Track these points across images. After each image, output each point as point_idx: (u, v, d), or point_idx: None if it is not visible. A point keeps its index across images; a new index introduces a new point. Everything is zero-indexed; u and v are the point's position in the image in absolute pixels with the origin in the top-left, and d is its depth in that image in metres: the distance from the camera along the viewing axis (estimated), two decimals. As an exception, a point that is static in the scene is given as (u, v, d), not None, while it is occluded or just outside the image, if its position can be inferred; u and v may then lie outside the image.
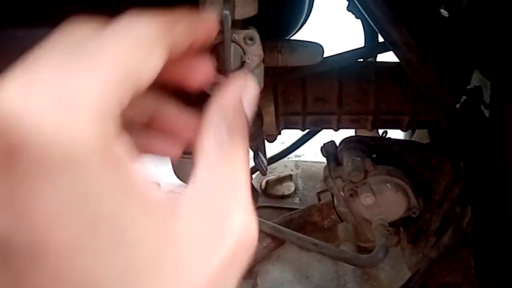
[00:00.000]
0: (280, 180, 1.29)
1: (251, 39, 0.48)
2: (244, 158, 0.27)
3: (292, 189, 1.29)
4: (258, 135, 0.74)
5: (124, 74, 0.22)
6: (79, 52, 0.21)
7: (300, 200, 1.27)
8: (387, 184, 0.82)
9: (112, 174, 0.20)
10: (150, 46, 0.24)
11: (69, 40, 0.23)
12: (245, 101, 0.30)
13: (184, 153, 0.78)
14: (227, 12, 0.43)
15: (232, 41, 0.47)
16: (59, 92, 0.19)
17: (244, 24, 0.51)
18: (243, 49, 0.49)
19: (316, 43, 0.63)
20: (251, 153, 0.85)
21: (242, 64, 0.50)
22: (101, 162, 0.19)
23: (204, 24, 0.34)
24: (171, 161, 0.85)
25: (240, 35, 0.48)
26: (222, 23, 0.44)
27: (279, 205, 1.23)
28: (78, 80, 0.20)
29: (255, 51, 0.49)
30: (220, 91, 0.31)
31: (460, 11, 0.40)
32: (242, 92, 0.31)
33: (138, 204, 0.21)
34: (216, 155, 0.26)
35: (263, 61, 0.54)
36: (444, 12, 0.44)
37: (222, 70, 0.49)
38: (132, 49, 0.23)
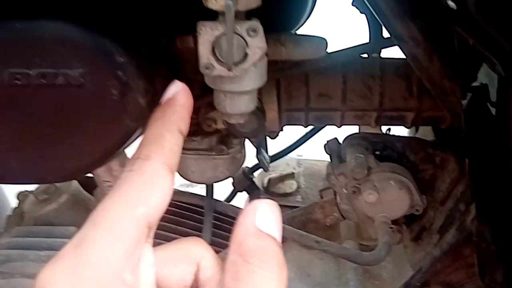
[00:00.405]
0: (282, 178, 1.29)
1: (254, 30, 0.48)
2: (269, 278, 0.25)
3: (294, 187, 1.28)
4: (260, 131, 0.73)
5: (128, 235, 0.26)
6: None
7: (302, 198, 1.26)
8: (391, 181, 0.81)
9: None
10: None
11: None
12: (263, 223, 0.28)
13: (184, 149, 0.77)
14: (230, 2, 0.42)
15: (235, 33, 0.47)
16: (78, 271, 0.24)
17: (247, 16, 0.50)
18: (245, 41, 0.48)
19: (320, 37, 0.62)
20: (254, 150, 0.85)
21: (245, 56, 0.49)
22: None
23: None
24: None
25: (243, 26, 0.47)
26: (224, 13, 0.43)
27: (281, 203, 1.22)
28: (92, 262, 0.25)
29: (258, 43, 0.48)
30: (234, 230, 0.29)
31: (467, 3, 0.39)
32: (256, 217, 0.28)
33: None
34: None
35: (266, 54, 0.53)
36: (451, 4, 0.44)
37: (224, 62, 0.49)
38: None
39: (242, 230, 0.27)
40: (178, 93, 0.39)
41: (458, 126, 0.65)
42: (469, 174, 0.61)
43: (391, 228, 0.84)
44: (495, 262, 0.64)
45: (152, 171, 0.30)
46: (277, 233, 0.28)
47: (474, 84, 0.58)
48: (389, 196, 0.82)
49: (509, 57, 0.41)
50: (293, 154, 1.35)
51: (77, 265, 0.24)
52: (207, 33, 0.47)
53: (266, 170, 0.94)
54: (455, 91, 0.61)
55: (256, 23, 0.47)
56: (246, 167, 1.24)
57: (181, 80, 0.74)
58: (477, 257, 0.68)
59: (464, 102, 0.56)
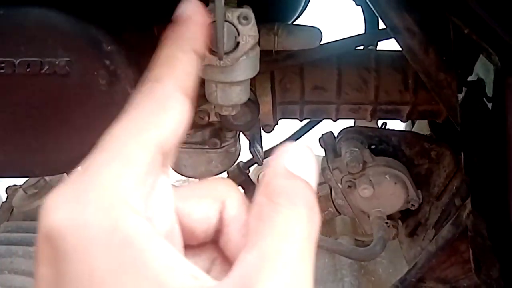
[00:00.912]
0: (278, 172, 1.28)
1: (246, 18, 0.46)
2: (296, 219, 0.23)
3: (290, 181, 1.27)
4: (254, 124, 0.72)
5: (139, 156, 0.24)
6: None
7: (297, 192, 1.25)
8: (386, 176, 0.80)
9: (118, 254, 0.21)
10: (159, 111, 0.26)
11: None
12: (295, 166, 0.25)
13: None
14: (219, -12, 0.41)
15: (226, 21, 0.45)
16: (82, 194, 0.23)
17: (238, 3, 0.49)
18: (237, 29, 0.47)
19: (314, 26, 0.61)
20: (247, 143, 0.84)
21: (236, 45, 0.48)
22: (106, 243, 0.21)
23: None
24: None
25: (234, 13, 0.46)
26: (214, 0, 0.42)
27: (276, 197, 1.21)
28: (95, 181, 0.23)
29: (250, 32, 0.47)
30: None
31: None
32: (287, 158, 0.26)
33: (149, 285, 0.21)
34: (254, 230, 0.23)
35: (259, 44, 0.52)
36: (447, -8, 0.42)
37: (215, 51, 0.47)
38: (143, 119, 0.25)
39: (270, 171, 0.25)
40: (190, 9, 0.35)
41: (453, 119, 0.64)
42: (465, 168, 0.60)
43: (387, 223, 0.83)
44: (491, 258, 0.63)
45: (163, 94, 0.27)
46: (310, 177, 0.25)
47: (470, 78, 0.57)
48: (384, 190, 0.81)
49: (506, 47, 0.40)
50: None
51: (82, 189, 0.22)
52: (196, 21, 0.46)
53: (260, 164, 0.93)
54: (450, 84, 0.60)
55: (247, 11, 0.46)
56: (241, 161, 1.23)
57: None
58: (472, 253, 0.67)
59: (460, 96, 0.55)
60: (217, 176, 0.29)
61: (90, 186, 0.23)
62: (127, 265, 0.21)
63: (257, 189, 0.25)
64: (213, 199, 0.28)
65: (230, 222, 0.27)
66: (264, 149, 1.25)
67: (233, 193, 0.28)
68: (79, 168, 0.24)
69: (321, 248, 0.87)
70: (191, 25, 0.33)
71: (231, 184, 0.29)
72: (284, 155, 0.26)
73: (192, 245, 0.28)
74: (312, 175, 0.26)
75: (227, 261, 0.28)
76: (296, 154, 0.26)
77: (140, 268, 0.21)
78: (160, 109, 0.26)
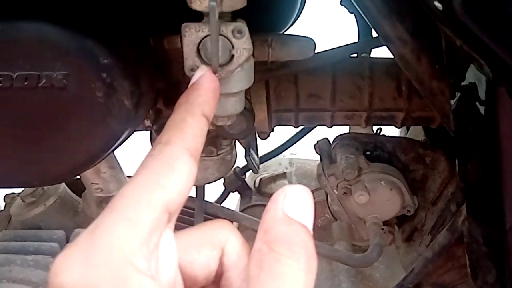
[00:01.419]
0: (274, 178, 1.28)
1: (240, 32, 0.47)
2: (296, 269, 0.24)
3: (286, 187, 1.27)
4: (249, 132, 0.73)
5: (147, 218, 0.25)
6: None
7: (294, 198, 1.26)
8: (381, 182, 0.81)
9: None
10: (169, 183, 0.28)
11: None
12: (293, 210, 0.26)
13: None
14: (213, 3, 0.42)
15: (220, 34, 0.46)
16: (91, 256, 0.24)
17: (233, 17, 0.49)
18: (231, 43, 0.47)
19: (308, 37, 0.61)
20: (243, 150, 0.84)
21: (231, 58, 0.48)
22: None
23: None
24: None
25: (228, 27, 0.47)
26: (209, 15, 0.43)
27: (273, 203, 1.21)
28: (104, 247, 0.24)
29: (244, 45, 0.48)
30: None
31: (453, 3, 0.39)
32: (285, 203, 0.27)
33: None
34: (255, 278, 0.24)
35: (253, 55, 0.52)
36: (437, 5, 0.43)
37: (210, 64, 0.48)
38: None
39: (269, 217, 0.26)
40: (202, 77, 0.38)
41: (447, 126, 0.64)
42: (459, 174, 0.61)
43: (383, 229, 0.84)
44: (487, 263, 0.64)
45: (171, 156, 0.29)
46: (308, 221, 0.26)
47: (463, 83, 0.57)
48: (380, 197, 0.81)
49: (496, 58, 0.41)
50: (286, 153, 1.34)
51: (90, 251, 0.24)
52: (191, 35, 0.46)
53: (255, 171, 0.93)
54: (443, 92, 0.60)
55: (241, 25, 0.47)
56: (238, 167, 1.23)
57: (169, 81, 0.74)
58: (468, 259, 0.68)
59: (453, 102, 0.55)
60: (215, 221, 0.30)
61: (98, 249, 0.24)
62: None
63: (257, 235, 0.26)
64: (213, 246, 0.29)
65: (230, 268, 0.29)
66: (259, 156, 1.26)
67: (232, 237, 0.29)
68: (89, 227, 0.25)
69: (318, 254, 0.88)
70: (202, 91, 0.35)
71: (230, 227, 0.30)
72: (282, 199, 0.26)
73: None
74: (310, 219, 0.26)
75: None
76: (294, 198, 0.26)
77: None
78: (167, 170, 0.28)
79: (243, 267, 0.28)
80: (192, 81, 0.38)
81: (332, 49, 0.75)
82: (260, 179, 1.26)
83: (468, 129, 0.54)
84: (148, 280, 0.24)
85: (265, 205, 0.94)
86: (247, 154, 0.80)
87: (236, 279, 0.28)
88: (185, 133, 0.31)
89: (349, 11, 0.88)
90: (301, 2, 0.87)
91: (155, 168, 0.28)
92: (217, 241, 0.29)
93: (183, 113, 0.33)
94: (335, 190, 0.83)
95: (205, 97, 0.35)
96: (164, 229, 0.27)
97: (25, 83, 0.51)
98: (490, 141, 0.52)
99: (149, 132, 0.82)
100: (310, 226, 0.26)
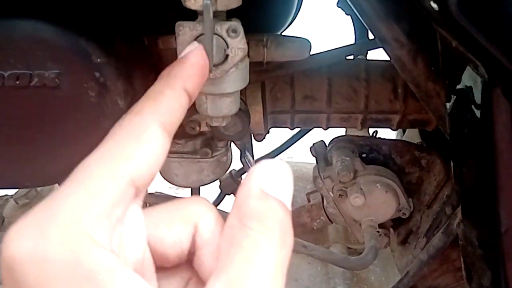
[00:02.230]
0: (270, 180, 1.28)
1: (234, 31, 0.46)
2: (267, 245, 0.23)
3: (282, 189, 1.27)
4: (245, 134, 0.72)
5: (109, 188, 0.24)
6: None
7: (290, 201, 1.25)
8: (377, 185, 0.80)
9: (82, 287, 0.21)
10: (136, 142, 0.26)
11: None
12: (269, 185, 0.25)
13: (169, 152, 0.76)
14: (208, 1, 0.41)
15: (214, 33, 0.46)
16: (44, 227, 0.22)
17: (227, 16, 0.49)
18: (226, 42, 0.47)
19: (304, 38, 0.61)
20: (238, 152, 0.84)
21: (226, 57, 0.48)
22: (68, 277, 0.21)
23: (192, 72, 0.33)
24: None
25: (223, 26, 0.46)
26: (203, 13, 0.42)
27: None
28: (60, 214, 0.23)
29: (239, 44, 0.47)
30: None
31: (449, 4, 0.39)
32: (262, 177, 0.25)
33: None
34: (224, 255, 0.23)
35: (248, 55, 0.52)
36: (433, 5, 0.43)
37: (204, 63, 0.47)
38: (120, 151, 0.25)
39: (244, 191, 0.24)
40: (191, 52, 0.36)
41: (443, 129, 0.64)
42: (454, 177, 0.60)
43: (378, 232, 0.83)
44: (482, 266, 0.63)
45: (141, 126, 0.27)
46: (285, 197, 0.24)
47: (459, 86, 0.57)
48: (375, 199, 0.81)
49: (492, 59, 0.40)
50: (282, 156, 1.34)
51: (44, 222, 0.22)
52: (185, 34, 0.46)
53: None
54: (439, 94, 0.60)
55: (236, 24, 0.46)
56: (233, 170, 1.23)
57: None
58: (464, 261, 0.67)
59: (449, 104, 0.55)
60: (190, 197, 0.28)
61: (53, 219, 0.22)
62: None
63: (231, 211, 0.24)
64: (186, 222, 0.27)
65: (203, 246, 0.27)
66: (255, 159, 1.25)
67: (207, 214, 0.27)
68: (47, 197, 0.24)
69: (313, 257, 0.87)
70: (187, 65, 0.33)
71: (205, 204, 0.28)
72: (258, 173, 0.25)
73: (167, 267, 0.28)
74: (287, 194, 0.25)
75: (201, 281, 0.27)
76: (271, 172, 0.25)
77: None
78: (135, 141, 0.26)
79: (216, 245, 0.26)
80: (181, 56, 0.35)
81: (328, 50, 0.75)
82: (256, 182, 1.26)
83: (463, 132, 0.54)
84: (107, 253, 0.22)
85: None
86: (242, 156, 0.80)
87: (209, 257, 0.27)
88: (160, 104, 0.29)
89: (346, 13, 0.88)
90: (297, 4, 0.87)
91: (122, 138, 0.26)
92: (190, 217, 0.27)
93: (162, 85, 0.31)
94: (330, 193, 0.83)
95: (190, 71, 0.33)
96: (131, 204, 0.25)
97: (17, 82, 0.51)
98: (486, 144, 0.51)
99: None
100: (288, 202, 0.25)
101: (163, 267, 0.27)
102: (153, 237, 0.26)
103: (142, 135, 0.26)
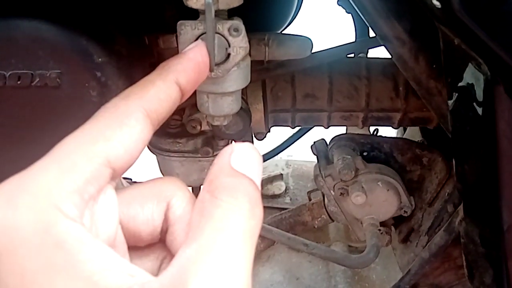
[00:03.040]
0: (271, 179, 1.28)
1: (236, 30, 0.46)
2: (237, 213, 0.23)
3: (283, 188, 1.27)
4: (246, 133, 0.72)
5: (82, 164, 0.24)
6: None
7: (290, 199, 1.26)
8: (378, 183, 0.80)
9: (49, 256, 0.21)
10: (112, 126, 0.26)
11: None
12: (239, 164, 0.26)
13: (169, 151, 0.75)
14: (210, 1, 0.41)
15: (216, 32, 0.45)
16: (14, 197, 0.23)
17: (229, 15, 0.49)
18: (227, 41, 0.47)
19: (305, 36, 0.61)
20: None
21: (227, 56, 0.48)
22: (37, 245, 0.21)
23: (189, 69, 0.33)
24: (158, 160, 0.83)
25: (224, 25, 0.46)
26: (204, 12, 0.42)
27: (270, 204, 1.21)
28: (32, 183, 0.23)
29: (240, 43, 0.47)
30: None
31: (452, 1, 0.39)
32: (232, 157, 0.26)
33: (81, 285, 0.21)
34: (195, 225, 0.24)
35: (250, 54, 0.52)
36: (436, 3, 0.43)
37: (206, 62, 0.47)
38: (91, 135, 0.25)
39: (215, 169, 0.25)
40: (190, 48, 0.36)
41: (444, 126, 0.64)
42: (456, 175, 0.60)
43: (380, 230, 0.83)
44: (484, 264, 0.63)
45: (125, 111, 0.27)
46: (254, 175, 0.26)
47: (461, 84, 0.57)
48: (377, 197, 0.81)
49: (494, 56, 0.40)
50: (282, 155, 1.34)
51: (15, 192, 0.23)
52: (187, 33, 0.46)
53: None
54: (441, 92, 0.60)
55: (238, 23, 0.46)
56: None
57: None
58: (465, 259, 0.67)
59: (450, 102, 0.55)
60: (162, 177, 0.29)
61: (23, 189, 0.23)
62: (58, 266, 0.21)
63: (202, 187, 0.25)
64: (158, 200, 0.27)
65: (175, 222, 0.27)
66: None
67: (179, 191, 0.28)
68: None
69: (314, 255, 0.87)
70: (183, 60, 0.33)
71: (177, 182, 0.29)
72: (229, 153, 0.26)
73: (140, 246, 0.28)
74: (256, 173, 0.26)
75: None
76: (241, 153, 0.26)
77: (72, 269, 0.21)
78: (116, 124, 0.26)
79: (188, 220, 0.27)
80: (182, 52, 0.36)
81: (329, 49, 0.75)
82: (257, 180, 1.26)
83: (465, 130, 0.54)
84: (76, 224, 0.22)
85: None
86: (243, 155, 0.79)
87: (180, 232, 0.27)
88: (147, 92, 0.29)
89: (346, 11, 0.87)
90: (298, 2, 0.87)
91: (104, 120, 0.26)
92: (162, 195, 0.28)
93: (154, 75, 0.31)
94: (332, 191, 0.83)
95: (185, 65, 0.33)
96: (106, 185, 0.26)
97: (18, 82, 0.51)
98: (488, 142, 0.51)
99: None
100: (257, 180, 0.26)
101: (136, 247, 0.28)
102: (125, 216, 0.27)
103: (124, 119, 0.27)
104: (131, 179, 1.07)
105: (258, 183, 0.26)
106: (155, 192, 0.28)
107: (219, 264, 0.22)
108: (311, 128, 1.04)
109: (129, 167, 0.27)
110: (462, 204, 0.68)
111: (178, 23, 0.46)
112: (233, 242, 0.23)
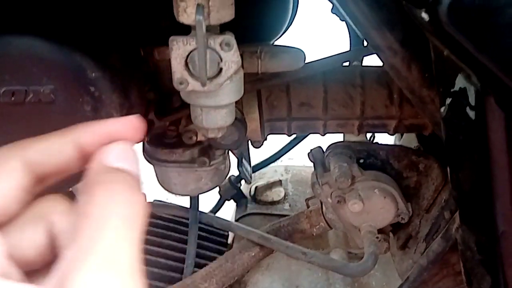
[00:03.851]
0: (270, 185, 1.28)
1: (228, 45, 0.47)
2: (114, 209, 0.24)
3: (282, 194, 1.27)
4: (241, 143, 0.73)
5: None
6: None
7: (290, 206, 1.25)
8: (375, 190, 0.80)
9: None
10: None
11: None
12: (114, 160, 0.27)
13: (166, 161, 0.75)
14: (200, 17, 0.41)
15: (208, 47, 0.46)
16: None
17: (221, 29, 0.49)
18: (219, 55, 0.47)
19: (298, 48, 0.61)
20: (235, 161, 0.84)
21: (220, 70, 0.48)
22: None
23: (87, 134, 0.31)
24: (155, 171, 0.84)
25: (216, 40, 0.46)
26: (195, 28, 0.43)
27: (269, 211, 1.21)
28: None
29: (232, 57, 0.48)
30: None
31: (439, 14, 0.39)
32: (104, 157, 0.27)
33: None
34: (76, 228, 0.24)
35: (243, 67, 0.52)
36: (424, 15, 0.43)
37: (199, 77, 0.48)
38: None
39: (90, 170, 0.26)
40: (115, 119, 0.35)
41: (439, 134, 0.64)
42: (451, 183, 0.61)
43: (377, 237, 0.83)
44: (481, 271, 0.63)
45: (3, 157, 0.27)
46: (128, 165, 0.26)
47: (453, 89, 0.57)
48: (374, 205, 0.81)
49: (484, 68, 0.40)
50: (283, 158, 1.34)
51: None
52: (179, 48, 0.46)
53: (248, 182, 0.93)
54: (434, 100, 0.60)
55: (229, 37, 0.47)
56: (232, 175, 1.23)
57: (160, 92, 0.73)
58: (463, 266, 0.67)
59: (443, 109, 0.55)
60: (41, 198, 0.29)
61: None
62: None
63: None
64: (35, 222, 0.27)
65: (59, 234, 0.27)
66: (254, 164, 1.25)
67: (58, 206, 0.28)
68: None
69: (313, 264, 0.87)
70: (98, 124, 0.31)
71: (53, 198, 0.28)
72: (103, 153, 0.27)
73: (39, 269, 0.28)
74: (129, 164, 0.27)
75: None
76: (111, 150, 0.27)
77: None
78: None
79: (72, 230, 0.27)
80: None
81: (323, 58, 0.75)
82: (256, 187, 1.26)
83: (458, 138, 0.54)
84: None
85: (261, 214, 0.93)
86: (239, 165, 0.80)
87: (65, 241, 0.27)
88: (36, 144, 0.29)
89: (340, 19, 0.88)
90: (292, 11, 0.87)
91: None
92: (39, 215, 0.27)
93: (57, 132, 0.31)
94: (329, 199, 0.83)
95: (95, 128, 0.31)
96: None
97: (12, 98, 0.51)
98: (481, 149, 0.51)
99: (141, 144, 0.82)
100: (133, 170, 0.26)
101: (36, 270, 0.28)
102: (9, 247, 0.26)
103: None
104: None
105: (136, 173, 0.26)
106: (31, 216, 0.28)
107: (99, 258, 0.22)
108: (307, 135, 1.04)
109: (7, 214, 0.27)
110: (458, 211, 0.68)
111: (170, 38, 0.46)
112: (112, 234, 0.23)
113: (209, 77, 0.47)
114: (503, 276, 0.60)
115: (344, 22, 0.89)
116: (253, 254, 0.91)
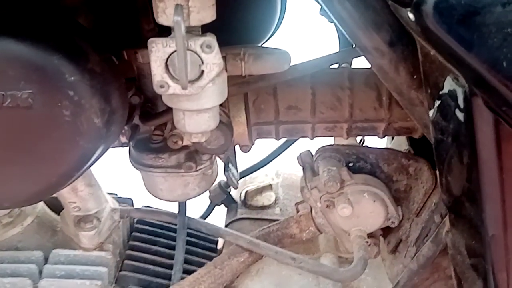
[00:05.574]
0: (260, 190, 1.26)
1: (209, 46, 0.45)
2: None
3: (273, 199, 1.25)
4: (228, 147, 0.71)
5: None
6: None
7: (281, 210, 1.24)
8: (364, 194, 0.79)
9: None
10: None
11: None
12: None
13: (152, 166, 0.74)
14: (178, 18, 0.40)
15: (188, 49, 0.45)
16: None
17: (203, 31, 0.48)
18: (200, 58, 0.46)
19: (283, 50, 0.60)
20: (222, 166, 0.82)
21: (201, 73, 0.47)
22: None
23: None
24: (142, 176, 0.82)
25: (197, 42, 0.45)
26: (174, 29, 0.41)
27: (259, 216, 1.20)
28: None
29: (214, 60, 0.46)
30: None
31: (424, 15, 0.38)
32: None
33: None
34: None
35: (226, 69, 0.51)
36: (410, 16, 0.42)
37: (179, 80, 0.46)
38: None
39: None
40: None
41: (428, 136, 0.63)
42: (440, 186, 0.60)
43: (367, 242, 0.82)
44: (472, 275, 0.62)
45: None
46: None
47: (442, 92, 0.56)
48: (363, 209, 0.80)
49: (471, 69, 0.40)
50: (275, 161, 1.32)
51: None
52: (159, 50, 0.45)
53: (235, 187, 0.92)
54: (422, 102, 0.59)
55: (210, 39, 0.45)
56: (222, 180, 1.22)
57: (145, 95, 0.72)
58: (454, 270, 0.66)
59: (432, 112, 0.54)
60: None
61: None
62: None
63: None
64: None
65: None
66: (244, 169, 1.24)
67: None
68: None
69: (302, 269, 0.86)
70: None
71: None
72: None
73: None
74: None
75: None
76: None
77: None
78: None
79: None
80: None
81: (312, 60, 0.74)
82: (246, 192, 1.24)
83: (448, 141, 0.53)
84: None
85: (251, 219, 0.91)
86: (226, 170, 0.78)
87: None
88: None
89: (329, 21, 0.87)
90: (280, 13, 0.86)
91: None
92: None
93: None
94: (318, 203, 0.82)
95: None
96: None
97: (-11, 103, 0.50)
98: (469, 152, 0.51)
99: (127, 148, 0.80)
100: None
101: None
102: None
103: None
104: (116, 194, 1.05)
105: None
106: None
107: None
108: (296, 140, 1.03)
109: None
110: (448, 215, 0.67)
111: (149, 40, 0.45)
112: None
113: (190, 80, 0.46)
114: (494, 280, 0.60)
115: (333, 24, 0.88)
116: (242, 259, 0.90)
